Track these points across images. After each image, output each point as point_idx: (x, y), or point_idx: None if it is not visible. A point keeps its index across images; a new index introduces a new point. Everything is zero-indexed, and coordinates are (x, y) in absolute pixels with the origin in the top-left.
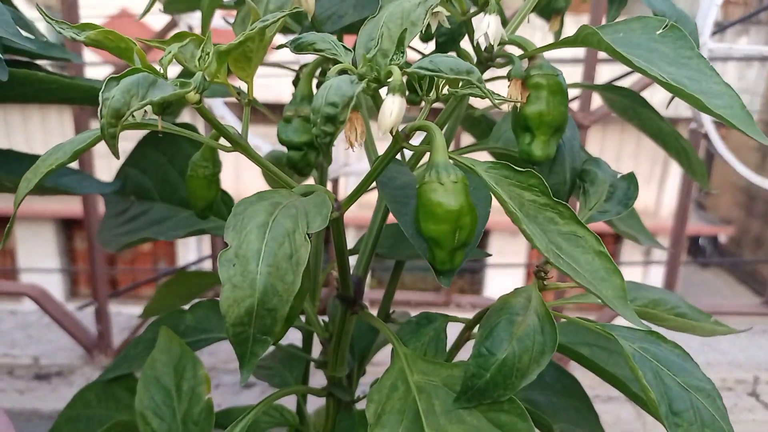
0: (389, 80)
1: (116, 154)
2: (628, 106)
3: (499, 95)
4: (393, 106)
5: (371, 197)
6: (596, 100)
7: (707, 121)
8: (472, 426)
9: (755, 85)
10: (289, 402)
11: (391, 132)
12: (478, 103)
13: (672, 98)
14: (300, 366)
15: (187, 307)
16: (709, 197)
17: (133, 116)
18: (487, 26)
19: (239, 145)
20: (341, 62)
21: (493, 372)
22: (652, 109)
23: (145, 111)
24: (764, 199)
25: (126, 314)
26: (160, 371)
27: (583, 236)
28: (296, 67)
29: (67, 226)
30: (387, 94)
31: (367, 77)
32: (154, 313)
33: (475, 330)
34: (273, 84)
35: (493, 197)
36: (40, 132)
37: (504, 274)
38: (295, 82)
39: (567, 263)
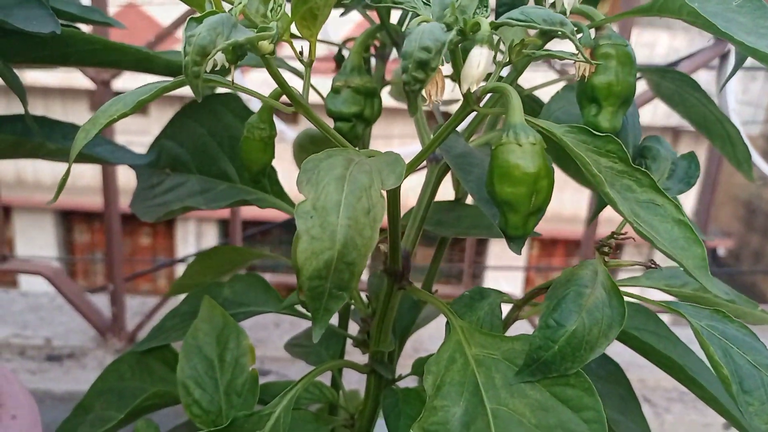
0: (474, 34)
1: (198, 94)
2: (674, 92)
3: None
4: (480, 57)
5: None
6: None
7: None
8: (535, 400)
9: (759, 98)
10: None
11: (463, 94)
12: (525, 84)
13: (722, 87)
14: (337, 344)
15: (224, 279)
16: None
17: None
18: None
19: (301, 105)
20: (420, 15)
21: (561, 344)
22: (703, 94)
23: (215, 62)
24: (764, 213)
25: (139, 298)
26: (203, 341)
27: (662, 204)
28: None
29: (67, 218)
30: (474, 46)
31: (454, 28)
32: (183, 290)
33: (523, 311)
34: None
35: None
36: None
37: (503, 277)
38: (337, 58)
39: (647, 231)
